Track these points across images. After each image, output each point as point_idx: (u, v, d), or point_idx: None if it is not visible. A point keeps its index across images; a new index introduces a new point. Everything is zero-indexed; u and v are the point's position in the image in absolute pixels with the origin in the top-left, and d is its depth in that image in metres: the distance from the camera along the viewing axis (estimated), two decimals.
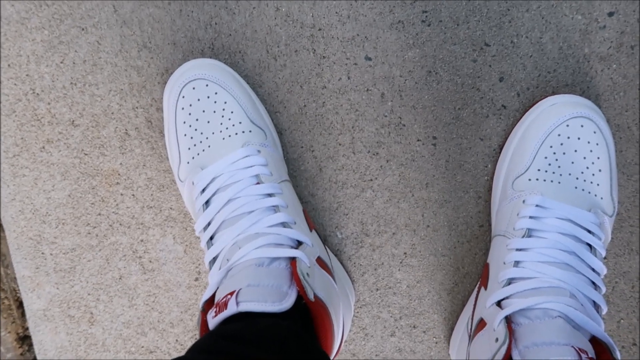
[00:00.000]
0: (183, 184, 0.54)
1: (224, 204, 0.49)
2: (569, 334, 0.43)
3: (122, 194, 0.60)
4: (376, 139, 0.59)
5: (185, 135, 0.53)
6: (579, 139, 0.51)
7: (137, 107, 0.59)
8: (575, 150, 0.52)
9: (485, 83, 0.57)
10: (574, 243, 0.48)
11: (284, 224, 0.48)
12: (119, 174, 0.60)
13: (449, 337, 0.61)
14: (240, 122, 0.53)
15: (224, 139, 0.52)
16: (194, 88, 0.52)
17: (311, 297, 0.42)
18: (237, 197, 0.49)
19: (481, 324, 0.49)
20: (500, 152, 0.58)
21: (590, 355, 0.42)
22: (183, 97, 0.53)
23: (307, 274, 0.44)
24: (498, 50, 0.56)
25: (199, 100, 0.52)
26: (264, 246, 0.46)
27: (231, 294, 0.42)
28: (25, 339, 0.67)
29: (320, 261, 0.49)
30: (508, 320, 0.45)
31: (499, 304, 0.48)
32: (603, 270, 0.48)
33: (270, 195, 0.50)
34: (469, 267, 0.60)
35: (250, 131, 0.53)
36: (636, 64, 0.56)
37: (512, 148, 0.55)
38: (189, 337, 0.63)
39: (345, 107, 0.58)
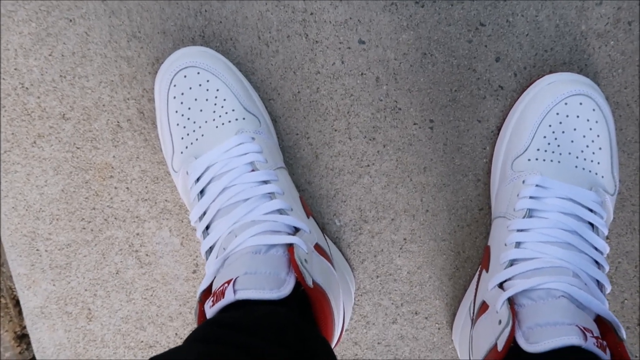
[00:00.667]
0: (177, 174, 0.53)
1: (219, 193, 0.48)
2: (573, 314, 0.43)
3: (116, 188, 0.59)
4: (372, 124, 0.58)
5: (177, 124, 0.52)
6: (578, 117, 0.51)
7: (128, 99, 0.58)
8: (575, 129, 0.51)
9: (481, 64, 0.56)
10: (575, 222, 0.48)
11: (280, 211, 0.47)
12: (112, 167, 0.59)
13: (451, 322, 0.60)
14: (233, 110, 0.52)
15: (217, 127, 0.51)
16: (185, 76, 0.51)
17: (310, 283, 0.41)
18: (232, 185, 0.48)
19: (483, 307, 0.49)
20: (498, 134, 0.57)
21: (595, 334, 0.41)
22: (174, 86, 0.52)
23: (305, 260, 0.43)
24: (494, 29, 0.55)
25: (190, 88, 0.51)
26: (261, 233, 0.45)
27: (228, 282, 0.41)
28: (23, 338, 0.66)
29: (318, 248, 0.49)
30: (511, 301, 0.45)
31: (501, 286, 0.47)
32: (606, 248, 0.48)
33: (265, 182, 0.49)
34: (470, 251, 0.59)
35: (243, 118, 0.52)
36: (634, 39, 0.55)
37: (510, 129, 0.54)
38: (189, 331, 0.62)
39: (339, 92, 0.57)
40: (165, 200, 0.60)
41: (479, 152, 0.58)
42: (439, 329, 0.61)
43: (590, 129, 0.51)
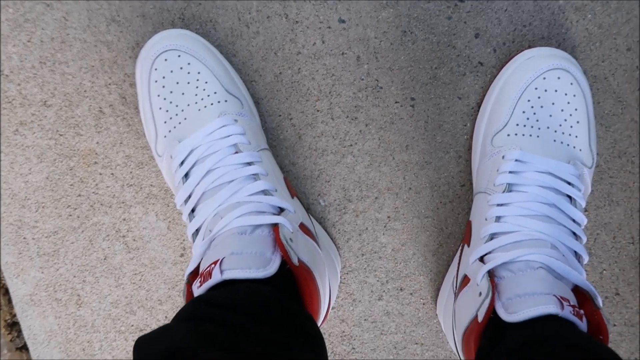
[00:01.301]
0: (161, 158, 0.53)
1: (203, 175, 0.48)
2: (551, 284, 0.44)
3: (100, 174, 0.60)
4: (354, 104, 0.58)
5: (160, 108, 0.52)
6: (556, 91, 0.51)
7: (109, 84, 0.58)
8: (553, 103, 0.52)
9: (461, 40, 0.57)
10: (554, 195, 0.49)
11: (264, 192, 0.48)
12: (96, 154, 0.59)
13: (435, 297, 0.62)
14: (215, 92, 0.52)
15: (199, 110, 0.51)
16: (166, 60, 0.51)
17: (295, 261, 0.42)
18: (216, 167, 0.48)
19: (465, 280, 0.50)
20: (478, 110, 0.57)
21: (572, 303, 0.42)
22: (155, 69, 0.52)
23: (290, 239, 0.44)
24: (472, 5, 0.56)
25: (172, 71, 0.51)
26: (246, 214, 0.45)
27: (215, 263, 0.41)
28: (14, 325, 0.67)
29: (303, 227, 0.49)
30: (491, 274, 0.46)
31: (481, 259, 0.48)
32: (583, 220, 0.49)
33: (249, 163, 0.49)
34: (453, 227, 0.60)
35: (226, 101, 0.52)
36: (611, 12, 0.55)
37: (490, 105, 0.55)
38: None
39: (321, 72, 0.57)
40: (151, 185, 0.60)
41: (459, 129, 0.58)
42: (423, 304, 0.62)
43: (568, 102, 0.52)
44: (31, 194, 0.60)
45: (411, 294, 0.62)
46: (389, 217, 0.60)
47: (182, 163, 0.50)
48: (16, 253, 0.61)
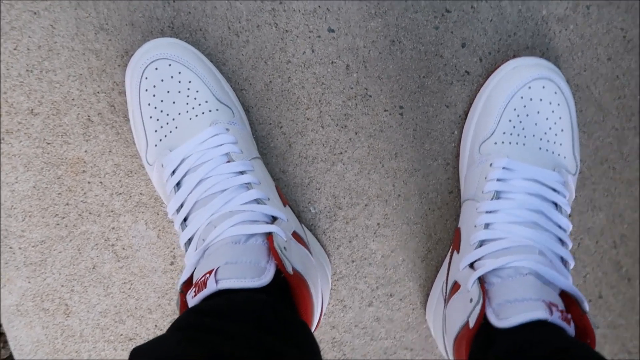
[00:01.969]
0: (152, 167, 0.53)
1: (195, 185, 0.48)
2: (540, 290, 0.45)
3: (89, 182, 0.59)
4: (344, 112, 0.59)
5: (151, 117, 0.52)
6: (541, 100, 0.53)
7: (98, 92, 0.57)
8: (538, 112, 0.53)
9: (448, 50, 0.58)
10: (540, 202, 0.50)
11: (257, 201, 0.48)
12: (84, 162, 0.59)
13: (425, 303, 0.62)
14: (206, 101, 0.52)
15: (190, 119, 0.51)
16: (156, 68, 0.51)
17: (290, 270, 0.43)
18: (209, 176, 0.49)
19: (455, 286, 0.51)
20: (466, 118, 0.59)
21: (560, 308, 0.43)
22: (146, 78, 0.51)
23: (285, 248, 0.44)
24: (459, 16, 0.57)
25: (162, 80, 0.51)
26: (240, 223, 0.45)
27: (210, 272, 0.42)
28: (0, 336, 0.66)
29: (296, 235, 0.50)
30: (481, 280, 0.47)
31: (471, 266, 0.49)
32: (569, 226, 0.50)
33: (241, 172, 0.49)
34: (441, 233, 0.61)
35: (217, 110, 0.52)
36: (592, 23, 0.57)
37: (477, 113, 0.56)
38: (168, 322, 0.63)
39: (311, 81, 0.58)
40: (140, 194, 0.59)
41: (447, 137, 0.59)
42: (413, 309, 0.63)
43: (553, 111, 0.53)
44: (17, 202, 0.59)
45: (401, 299, 0.63)
46: (378, 224, 0.61)
47: (173, 172, 0.50)
48: (2, 263, 0.61)
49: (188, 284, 0.45)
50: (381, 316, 0.63)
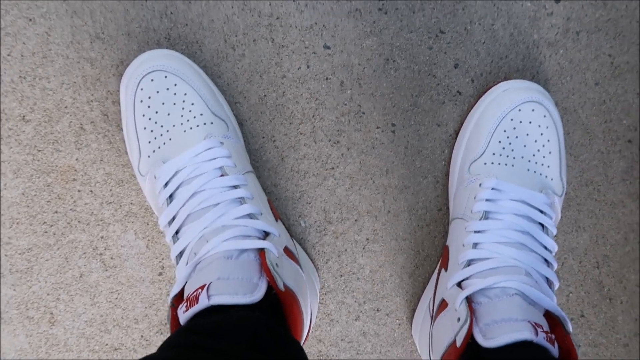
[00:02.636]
0: (144, 178, 0.53)
1: (188, 198, 0.49)
2: (526, 310, 0.46)
3: (79, 191, 0.59)
4: (336, 128, 0.59)
5: (145, 128, 0.52)
6: (530, 122, 0.54)
7: (91, 101, 0.57)
8: (527, 134, 0.54)
9: (441, 70, 0.59)
10: (527, 223, 0.51)
11: (250, 216, 0.48)
12: (75, 170, 0.58)
13: (411, 318, 0.63)
14: (201, 114, 0.52)
15: (185, 131, 0.51)
16: (152, 80, 0.51)
17: (281, 287, 0.43)
18: (202, 190, 0.49)
19: (443, 304, 0.51)
20: (456, 138, 0.59)
21: (545, 329, 0.44)
22: (141, 89, 0.51)
23: (276, 264, 0.44)
24: (452, 37, 0.58)
25: (158, 92, 0.51)
26: (232, 238, 0.46)
27: (202, 287, 0.42)
28: None
29: (287, 251, 0.50)
30: (469, 300, 0.47)
31: (459, 284, 0.50)
32: (554, 247, 0.51)
33: (235, 187, 0.50)
34: (429, 249, 0.62)
35: (212, 123, 0.52)
36: (581, 49, 0.58)
37: (467, 133, 0.57)
38: (154, 332, 0.62)
39: (305, 96, 0.58)
40: (131, 203, 0.59)
41: (438, 155, 0.60)
42: (399, 324, 0.63)
43: (542, 134, 0.54)
44: (5, 209, 0.59)
45: (387, 314, 0.63)
46: (367, 239, 0.62)
47: (166, 184, 0.50)
48: None
49: (179, 297, 0.45)
50: (367, 330, 0.64)
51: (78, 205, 0.59)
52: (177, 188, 0.50)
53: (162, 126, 0.52)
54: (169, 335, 0.42)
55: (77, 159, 0.58)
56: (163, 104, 0.52)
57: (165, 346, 0.39)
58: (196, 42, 0.57)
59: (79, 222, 0.59)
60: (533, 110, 0.54)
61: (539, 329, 0.43)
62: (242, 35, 0.57)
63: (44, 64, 0.56)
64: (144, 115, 0.52)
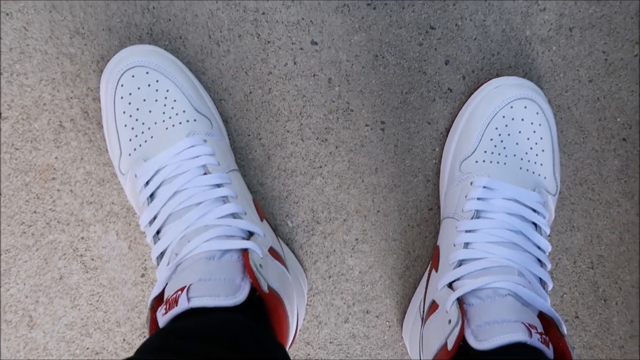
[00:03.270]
0: (125, 177, 0.51)
1: (170, 197, 0.47)
2: (519, 311, 0.44)
3: (59, 190, 0.57)
4: (324, 125, 0.58)
5: (125, 126, 0.50)
6: (522, 120, 0.53)
7: (71, 98, 0.55)
8: (520, 132, 0.53)
9: (431, 66, 0.57)
10: (520, 222, 0.50)
11: (234, 215, 0.47)
12: (54, 169, 0.57)
13: (401, 320, 0.62)
14: (184, 111, 0.50)
15: (167, 128, 0.50)
16: (133, 76, 0.50)
17: (265, 289, 0.41)
18: (184, 188, 0.47)
19: (433, 306, 0.50)
20: (447, 135, 0.58)
21: (539, 330, 0.43)
22: (122, 85, 0.50)
23: (260, 265, 0.43)
24: (443, 33, 0.56)
25: (139, 88, 0.50)
26: (215, 238, 0.44)
27: (182, 289, 0.40)
28: None
29: (272, 251, 0.48)
30: (460, 301, 0.46)
31: (450, 285, 0.49)
32: (548, 247, 0.50)
33: (218, 185, 0.48)
34: (420, 250, 0.61)
35: (195, 120, 0.51)
36: (575, 45, 0.57)
37: (458, 131, 0.56)
38: (137, 336, 0.61)
39: (292, 93, 0.57)
40: (112, 203, 0.58)
41: (428, 154, 0.59)
42: (389, 327, 0.62)
43: (534, 131, 0.53)
44: None
45: (377, 316, 0.62)
46: (356, 239, 0.60)
47: (147, 183, 0.48)
48: None
49: (159, 299, 0.43)
50: (357, 333, 0.62)
51: (57, 205, 0.57)
52: (159, 187, 0.48)
53: (143, 123, 0.50)
54: None
55: (56, 158, 0.56)
56: (144, 100, 0.50)
57: (142, 350, 0.37)
58: (179, 38, 0.55)
59: (58, 222, 0.57)
60: (525, 107, 0.53)
61: (533, 330, 0.42)
62: (227, 30, 0.55)
63: (22, 59, 0.54)
64: (124, 113, 0.50)
